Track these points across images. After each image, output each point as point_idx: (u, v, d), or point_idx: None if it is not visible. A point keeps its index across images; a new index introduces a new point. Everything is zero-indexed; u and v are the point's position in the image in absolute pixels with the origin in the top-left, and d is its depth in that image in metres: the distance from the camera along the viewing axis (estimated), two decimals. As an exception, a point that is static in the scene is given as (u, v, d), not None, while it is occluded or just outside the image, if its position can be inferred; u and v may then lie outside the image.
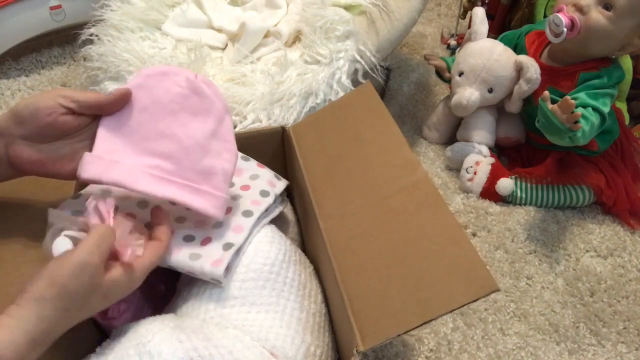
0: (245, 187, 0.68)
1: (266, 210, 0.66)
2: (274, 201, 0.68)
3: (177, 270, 0.59)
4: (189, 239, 0.60)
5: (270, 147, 0.79)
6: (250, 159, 0.73)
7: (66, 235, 0.51)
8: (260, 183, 0.69)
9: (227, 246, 0.59)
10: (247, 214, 0.63)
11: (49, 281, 0.45)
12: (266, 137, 0.78)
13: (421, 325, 0.48)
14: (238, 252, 0.60)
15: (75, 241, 0.51)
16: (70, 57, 1.42)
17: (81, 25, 1.11)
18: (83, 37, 1.08)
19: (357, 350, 0.49)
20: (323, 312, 0.64)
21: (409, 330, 0.48)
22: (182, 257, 0.58)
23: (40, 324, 0.44)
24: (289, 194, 0.81)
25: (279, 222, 0.74)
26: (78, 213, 0.60)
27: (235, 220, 0.62)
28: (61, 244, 0.51)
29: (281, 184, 0.72)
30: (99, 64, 1.01)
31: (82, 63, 1.08)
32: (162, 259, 0.56)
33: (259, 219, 0.64)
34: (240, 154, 0.72)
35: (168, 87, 0.59)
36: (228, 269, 0.58)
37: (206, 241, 0.60)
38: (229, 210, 0.63)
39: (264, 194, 0.67)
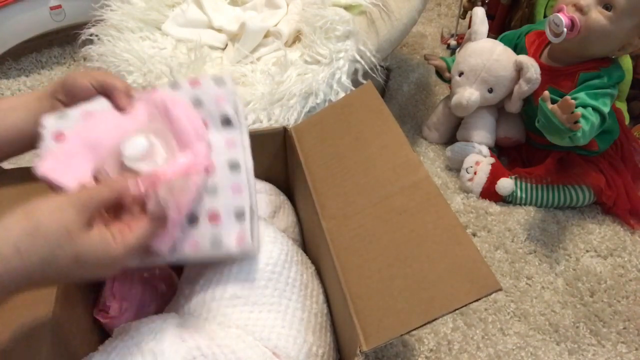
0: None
1: (241, 136, 0.61)
2: (239, 120, 0.62)
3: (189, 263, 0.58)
4: (193, 220, 0.56)
5: (271, 148, 0.79)
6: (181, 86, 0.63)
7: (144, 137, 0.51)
8: (212, 109, 0.61)
9: (239, 216, 0.56)
10: (234, 167, 0.58)
11: (24, 213, 0.43)
12: (268, 137, 0.78)
13: (424, 324, 0.48)
14: (253, 215, 0.57)
15: (152, 146, 0.51)
16: (70, 57, 1.42)
17: (81, 25, 1.11)
18: (83, 37, 1.08)
19: (360, 351, 0.49)
20: (325, 312, 0.64)
21: (412, 330, 0.48)
22: (203, 248, 0.55)
23: None
24: (290, 195, 0.82)
25: (280, 222, 0.74)
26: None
27: (226, 178, 0.58)
28: (135, 142, 0.51)
29: (229, 95, 0.62)
30: (99, 64, 1.01)
31: (82, 63, 1.08)
32: (153, 238, 0.51)
33: (246, 161, 0.59)
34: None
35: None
36: (253, 237, 0.56)
37: (214, 218, 0.56)
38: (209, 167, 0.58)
39: (226, 122, 0.61)
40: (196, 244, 0.55)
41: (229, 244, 0.55)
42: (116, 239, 0.47)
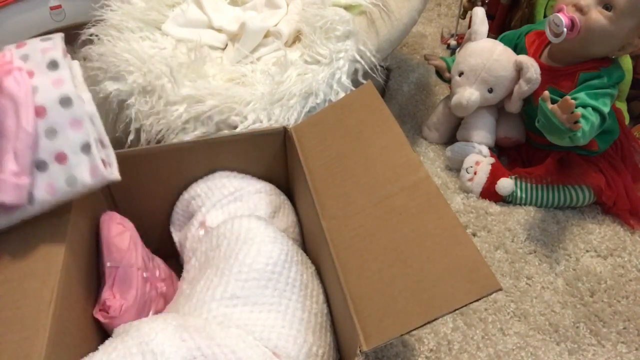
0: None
1: (71, 73, 0.60)
2: (67, 64, 0.61)
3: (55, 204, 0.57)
4: (42, 166, 0.57)
5: (271, 148, 0.79)
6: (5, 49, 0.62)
7: None
8: (38, 59, 0.60)
9: (85, 149, 0.57)
10: (65, 102, 0.58)
11: None
12: (268, 137, 0.78)
13: (424, 324, 0.48)
14: (102, 143, 0.59)
15: None
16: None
17: (81, 25, 1.10)
18: (83, 37, 1.08)
19: (360, 351, 0.49)
20: (325, 312, 0.64)
21: (412, 330, 0.48)
22: (60, 188, 0.57)
23: None
24: (290, 195, 0.82)
25: (280, 222, 0.74)
26: None
27: (61, 115, 0.57)
28: None
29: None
30: (99, 64, 1.01)
31: (82, 63, 1.08)
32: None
33: (79, 94, 0.59)
34: None
35: None
36: (107, 164, 0.58)
37: (62, 158, 0.57)
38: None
39: (52, 65, 0.60)
40: (52, 186, 0.56)
41: (84, 178, 0.57)
42: None
